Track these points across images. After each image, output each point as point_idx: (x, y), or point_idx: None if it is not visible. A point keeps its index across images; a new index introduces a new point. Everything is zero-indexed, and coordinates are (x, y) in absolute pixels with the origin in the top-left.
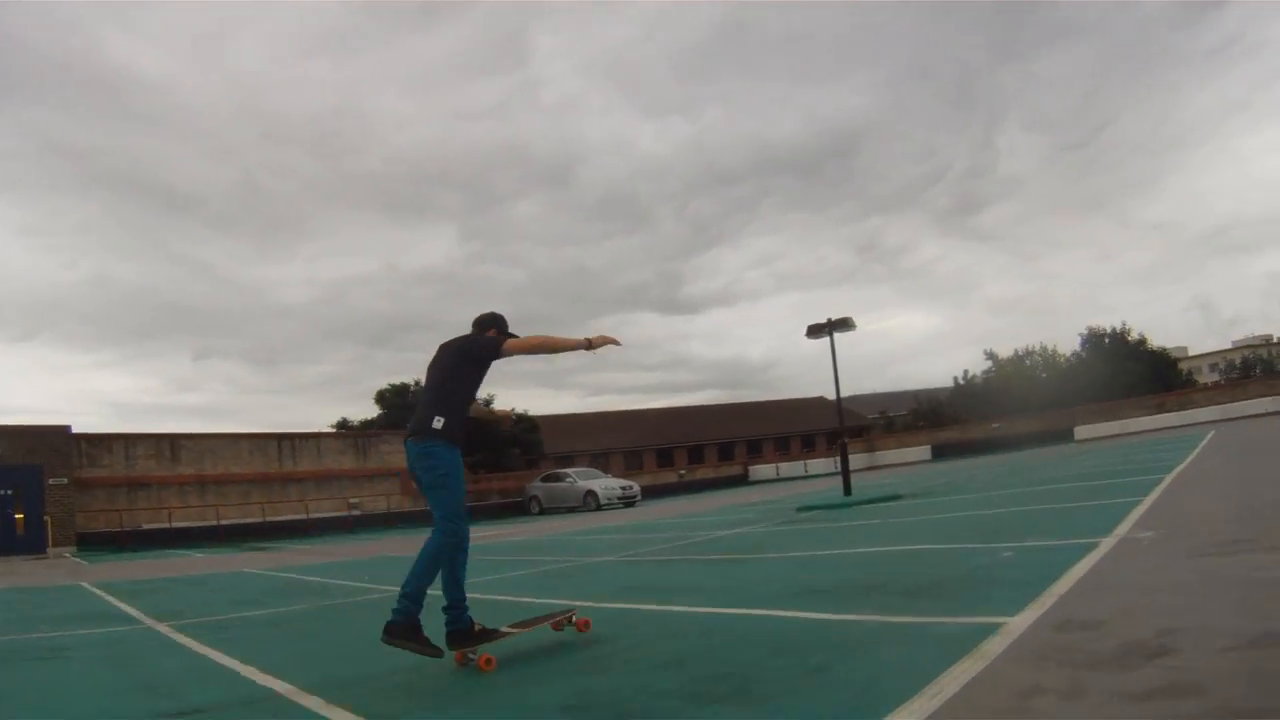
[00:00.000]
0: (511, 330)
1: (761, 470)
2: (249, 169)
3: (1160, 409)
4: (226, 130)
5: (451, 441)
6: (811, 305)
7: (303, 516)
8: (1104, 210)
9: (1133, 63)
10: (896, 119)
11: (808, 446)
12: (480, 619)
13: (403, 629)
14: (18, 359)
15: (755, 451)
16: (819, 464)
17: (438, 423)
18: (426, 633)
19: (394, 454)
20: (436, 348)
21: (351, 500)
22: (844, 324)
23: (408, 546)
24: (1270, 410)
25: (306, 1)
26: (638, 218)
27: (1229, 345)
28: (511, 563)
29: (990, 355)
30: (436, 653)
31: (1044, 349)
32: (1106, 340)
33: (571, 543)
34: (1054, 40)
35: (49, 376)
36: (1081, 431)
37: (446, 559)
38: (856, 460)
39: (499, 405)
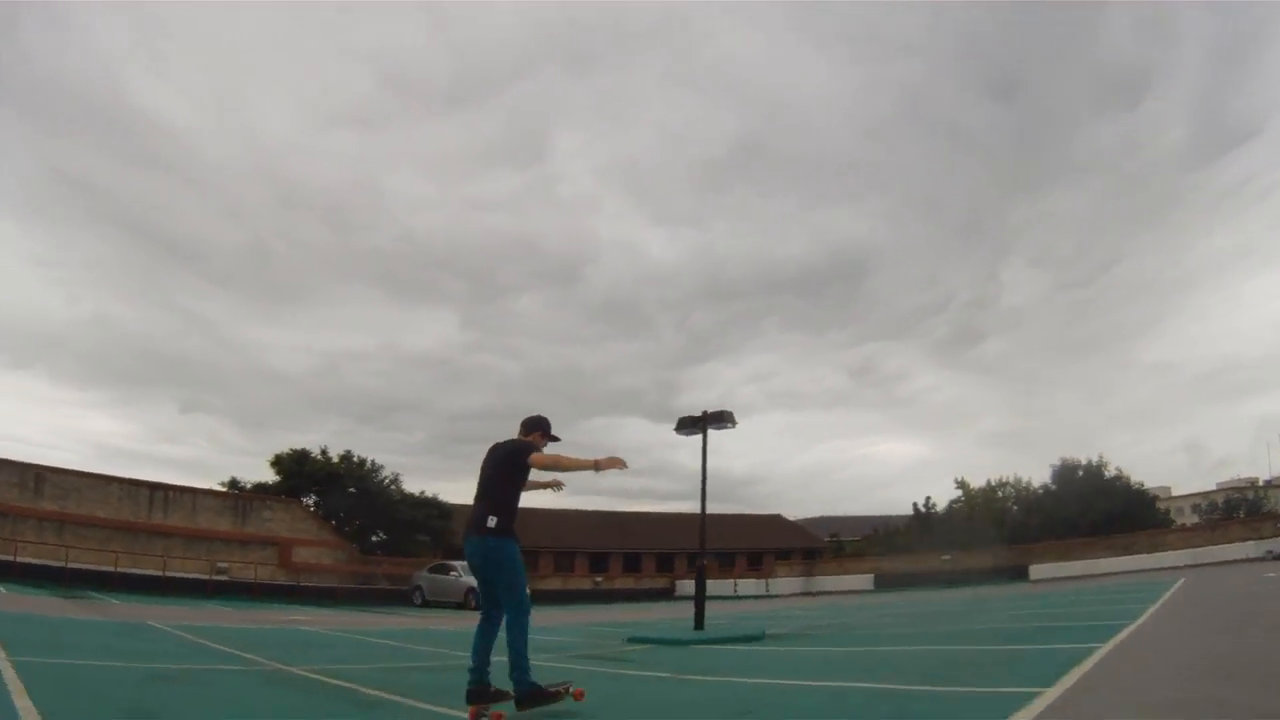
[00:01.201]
0: (554, 433)
1: (686, 585)
2: (259, 230)
3: (1129, 550)
4: (241, 189)
5: (508, 536)
6: (803, 425)
7: (158, 573)
8: (1102, 349)
9: (1141, 203)
10: (903, 246)
11: (754, 565)
12: None
13: (529, 695)
14: (10, 387)
15: (690, 565)
16: (750, 584)
17: (491, 521)
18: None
19: (276, 522)
20: (487, 448)
21: (220, 564)
22: (720, 418)
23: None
24: (1251, 556)
25: (337, 73)
26: (639, 323)
27: (1213, 487)
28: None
29: (960, 484)
30: (561, 693)
31: (1017, 480)
32: (1080, 473)
33: (314, 642)
34: (1064, 178)
35: (37, 408)
36: (1037, 571)
37: (518, 629)
38: (791, 584)
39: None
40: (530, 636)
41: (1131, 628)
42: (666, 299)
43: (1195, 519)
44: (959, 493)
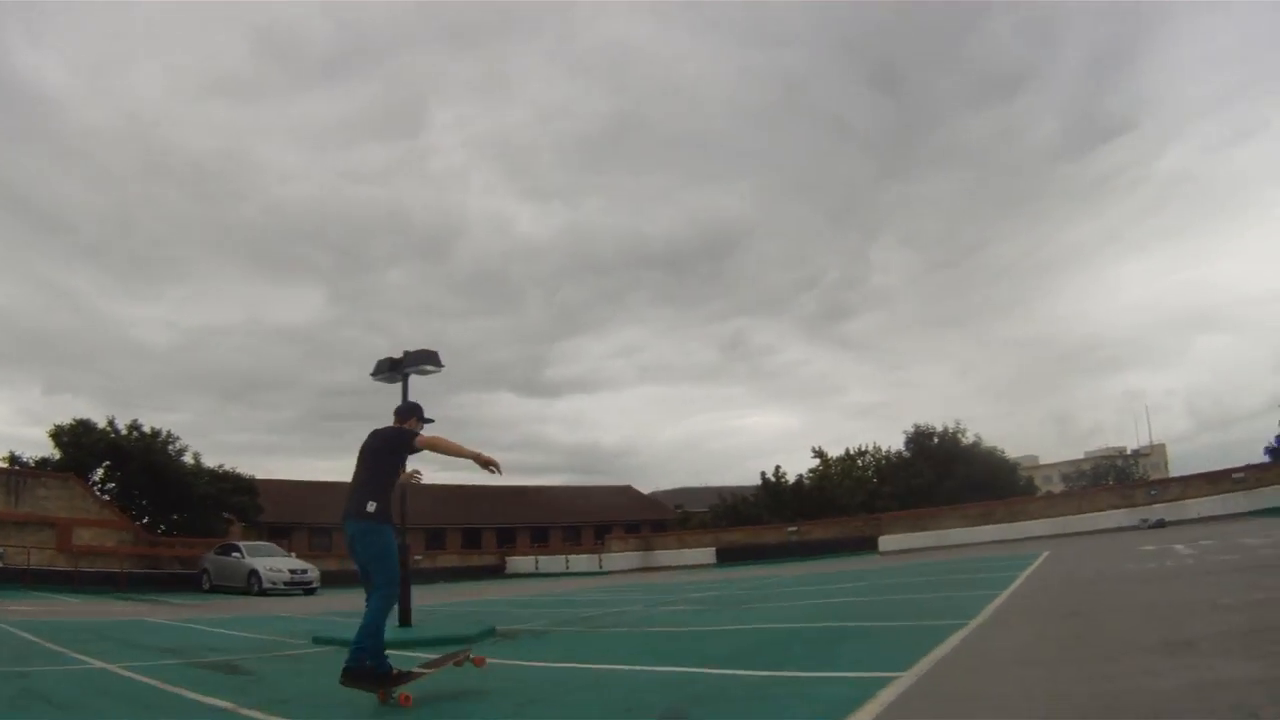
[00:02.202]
0: (428, 416)
1: (519, 563)
2: (126, 200)
3: (985, 519)
4: (110, 157)
5: (385, 521)
6: (672, 398)
7: None
8: (969, 327)
9: (1011, 191)
10: (775, 226)
11: (600, 538)
12: None
13: (358, 674)
14: None
15: (541, 539)
16: (583, 560)
17: (371, 506)
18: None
19: (52, 500)
20: (368, 433)
21: None
22: (424, 359)
23: None
24: (1123, 524)
25: (217, 41)
26: (507, 298)
27: (1082, 455)
28: None
29: (818, 453)
30: (391, 679)
31: (876, 449)
32: (935, 440)
33: None
34: (938, 165)
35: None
36: (887, 542)
37: (381, 609)
38: (628, 559)
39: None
40: (224, 631)
41: (978, 619)
42: (535, 274)
43: (1063, 488)
44: (816, 462)
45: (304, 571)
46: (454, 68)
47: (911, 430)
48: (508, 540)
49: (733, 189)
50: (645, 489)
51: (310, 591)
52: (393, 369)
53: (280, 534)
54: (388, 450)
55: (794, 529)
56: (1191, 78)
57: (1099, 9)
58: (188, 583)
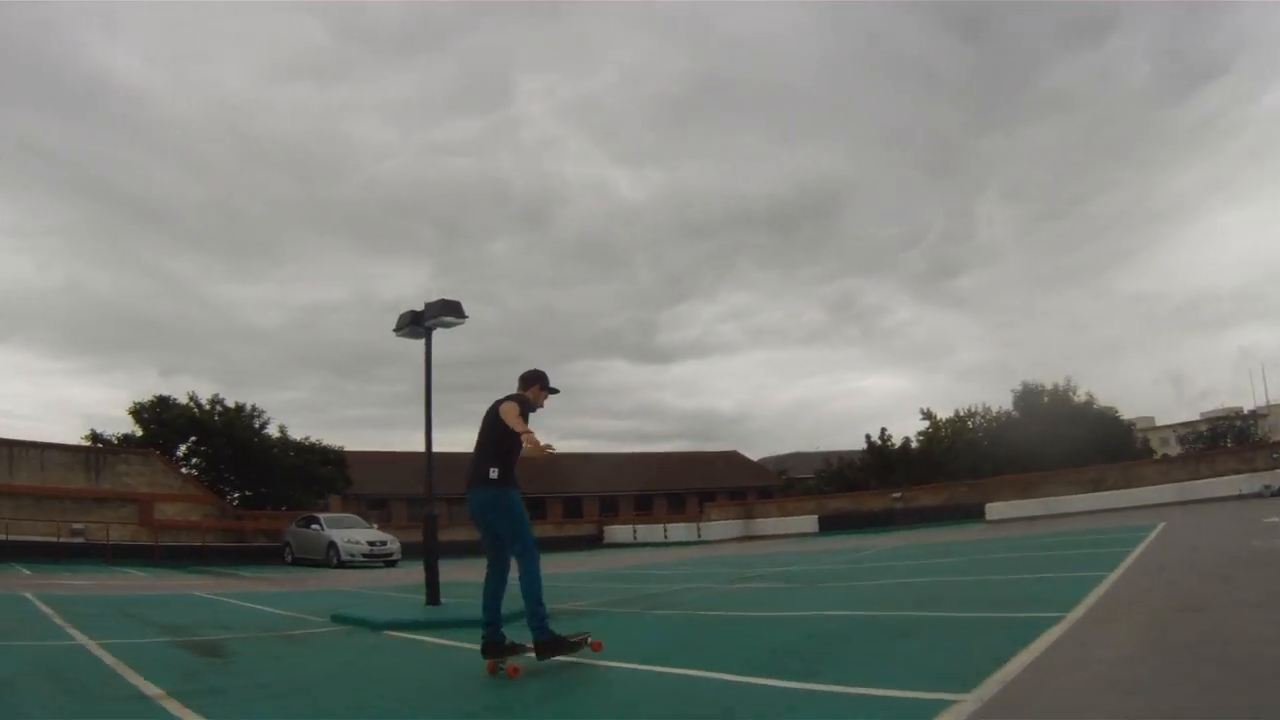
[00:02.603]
0: (553, 385)
1: (617, 532)
2: (226, 187)
3: (1097, 485)
4: (205, 146)
5: (509, 485)
6: (784, 362)
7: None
8: (1079, 282)
9: (1113, 137)
10: (874, 181)
11: (704, 505)
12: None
13: (549, 644)
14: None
15: (644, 507)
16: (680, 529)
17: (493, 473)
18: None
19: (133, 476)
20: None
21: (74, 526)
22: (448, 310)
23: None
24: (1244, 491)
25: (291, 25)
26: (613, 263)
27: (1198, 417)
28: None
29: (927, 415)
30: (582, 640)
31: (986, 410)
32: (1045, 398)
33: None
34: (1034, 112)
35: (17, 381)
36: (994, 509)
37: (531, 576)
38: (728, 528)
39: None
40: (253, 606)
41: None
42: (639, 238)
43: (1180, 451)
44: (926, 424)
45: (383, 543)
46: (533, 35)
47: (1019, 388)
48: (609, 509)
49: (827, 145)
50: (759, 454)
51: (391, 563)
52: (414, 322)
53: (377, 506)
54: (500, 417)
55: (898, 495)
56: None
57: None
58: (272, 555)
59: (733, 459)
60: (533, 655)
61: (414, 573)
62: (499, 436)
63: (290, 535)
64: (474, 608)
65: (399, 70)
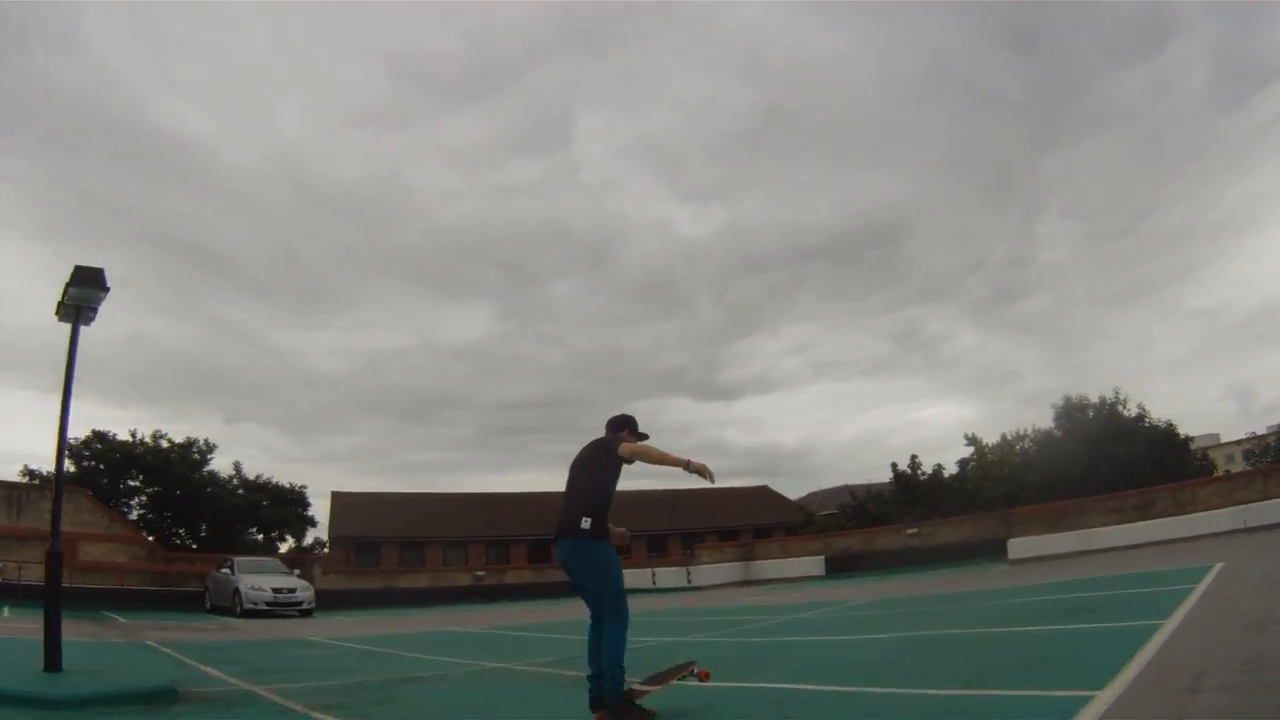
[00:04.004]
0: (642, 430)
1: (636, 576)
2: (287, 235)
3: (1145, 512)
4: (265, 196)
5: (602, 539)
6: (848, 393)
7: None
8: (1143, 299)
9: (1172, 148)
10: (933, 207)
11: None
12: None
13: (622, 708)
14: (52, 410)
15: (659, 549)
16: (670, 574)
17: (585, 523)
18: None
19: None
20: (580, 447)
21: None
22: (87, 280)
23: None
24: None
25: (348, 73)
26: (675, 302)
27: (1264, 430)
28: None
29: (971, 440)
30: (652, 712)
31: (1035, 431)
32: (1090, 413)
33: None
34: (1091, 127)
35: (83, 432)
36: (1018, 546)
37: (615, 640)
38: (723, 571)
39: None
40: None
41: None
42: (702, 275)
43: (1245, 468)
44: (970, 450)
45: (291, 591)
46: (592, 75)
47: (1061, 403)
48: (619, 551)
49: (886, 172)
50: (824, 487)
51: (305, 613)
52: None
53: (367, 550)
54: (597, 462)
55: (914, 531)
56: None
57: None
58: (195, 601)
59: (763, 494)
60: (647, 693)
61: (324, 624)
62: (590, 483)
63: (210, 580)
64: (101, 681)
65: (458, 114)
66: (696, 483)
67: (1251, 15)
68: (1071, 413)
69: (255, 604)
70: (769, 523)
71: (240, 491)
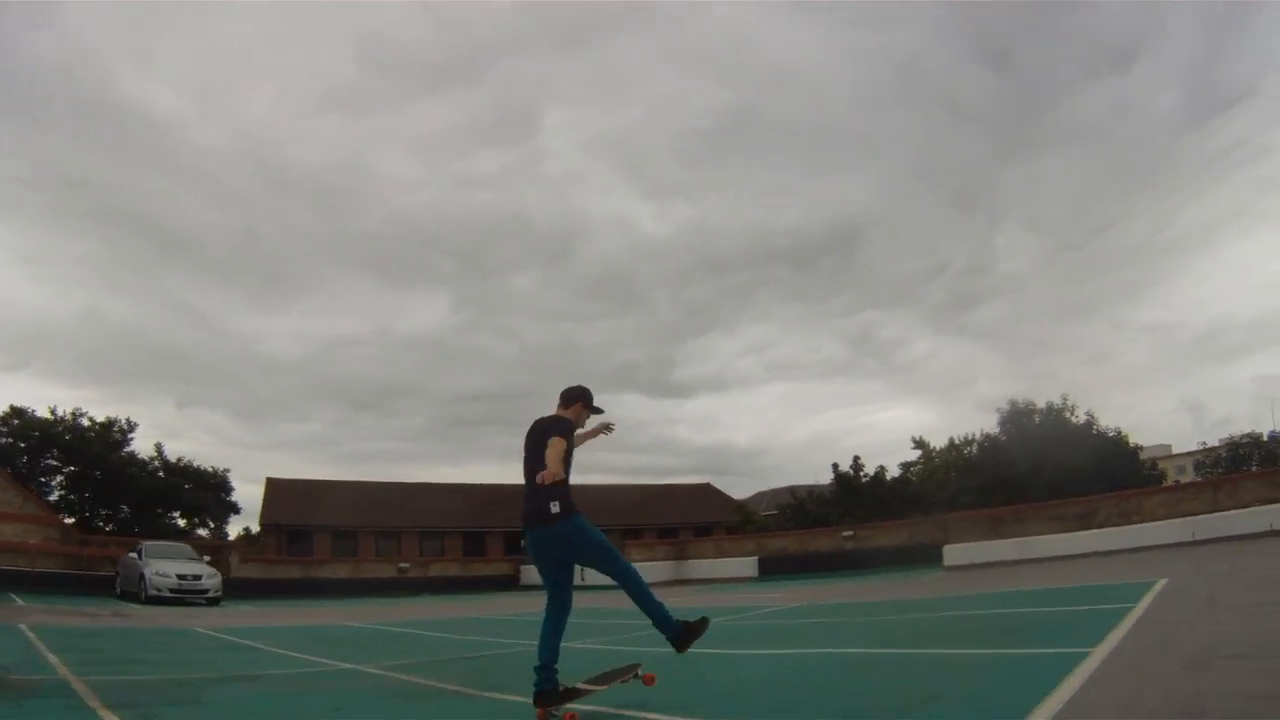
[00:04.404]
0: (596, 404)
1: (534, 572)
2: (248, 218)
3: (1086, 521)
4: (229, 177)
5: (575, 513)
6: (803, 395)
7: None
8: (1098, 312)
9: (1133, 166)
10: (897, 214)
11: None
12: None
13: (686, 633)
14: (4, 389)
15: None
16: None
17: (555, 507)
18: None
19: None
20: (530, 424)
21: None
22: None
23: None
24: (1276, 526)
25: (320, 57)
26: (633, 298)
27: (1217, 442)
28: None
29: (919, 444)
30: (705, 624)
31: (982, 435)
32: (1036, 418)
33: None
34: (1056, 142)
35: (38, 409)
36: (953, 553)
37: (640, 592)
38: (656, 570)
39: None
40: None
41: None
42: (661, 273)
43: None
44: (918, 453)
45: (196, 578)
46: (562, 68)
47: (1006, 407)
48: None
49: (853, 178)
50: (773, 486)
51: (213, 601)
52: None
53: (299, 538)
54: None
55: (849, 534)
56: None
57: None
58: (108, 585)
59: (704, 492)
60: (591, 692)
61: (223, 614)
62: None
63: (120, 565)
64: None
65: (426, 103)
66: (637, 478)
67: (1219, 40)
68: (1017, 417)
69: (160, 590)
70: (709, 521)
71: (161, 474)
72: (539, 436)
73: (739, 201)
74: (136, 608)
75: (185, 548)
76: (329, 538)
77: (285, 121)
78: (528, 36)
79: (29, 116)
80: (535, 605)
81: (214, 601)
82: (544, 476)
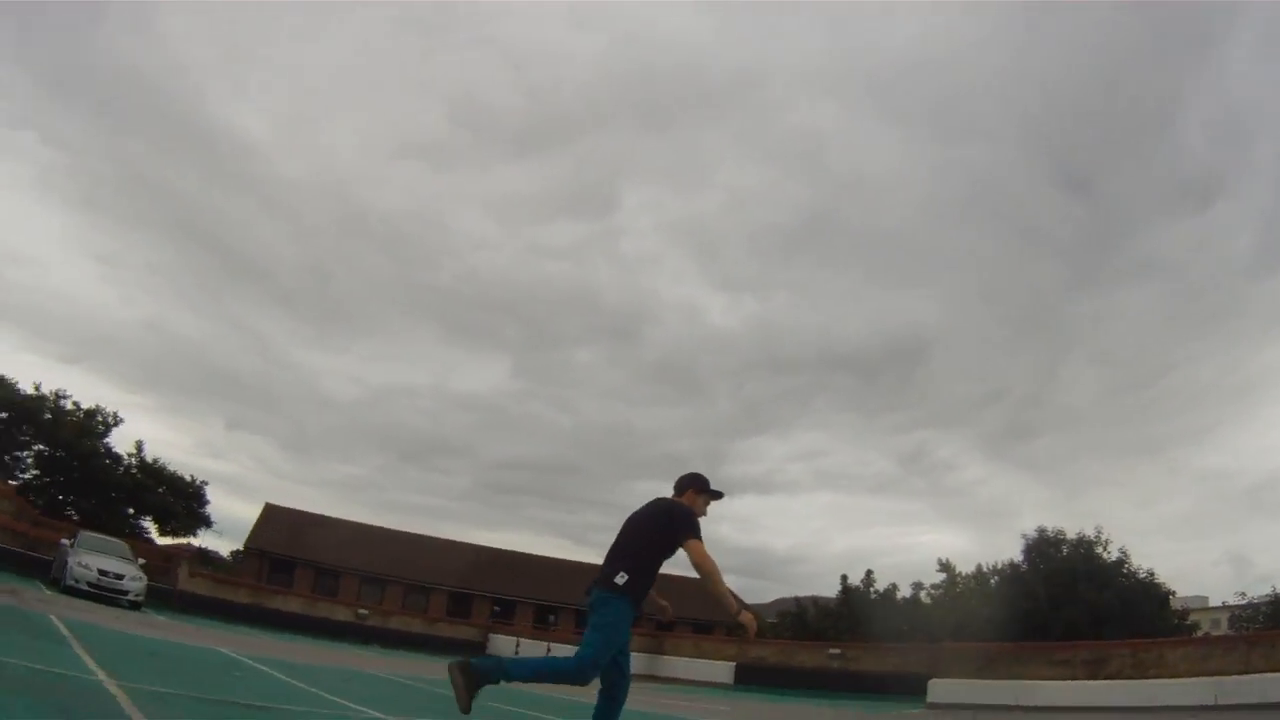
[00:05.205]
0: (714, 487)
1: (502, 642)
2: (322, 253)
3: (1096, 669)
4: (308, 210)
5: (630, 598)
6: (848, 507)
7: None
8: (1153, 454)
9: (1204, 308)
10: (962, 334)
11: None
12: None
13: (476, 674)
14: (59, 380)
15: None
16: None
17: (621, 579)
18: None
19: None
20: (643, 503)
21: None
22: None
23: None
24: None
25: (411, 105)
26: (692, 388)
27: (1258, 598)
28: None
29: (944, 567)
30: (462, 709)
31: (1008, 564)
32: (1064, 549)
33: None
34: (1129, 277)
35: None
36: (940, 689)
37: (560, 682)
38: (635, 661)
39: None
40: None
41: None
42: (723, 366)
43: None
44: (942, 576)
45: (119, 577)
46: (646, 148)
47: (1032, 536)
48: (544, 618)
49: (922, 292)
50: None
51: (134, 605)
52: None
53: (283, 568)
54: (656, 525)
55: (836, 651)
56: None
57: None
58: (45, 569)
59: (703, 585)
60: None
61: (118, 617)
62: (640, 542)
63: (57, 551)
64: None
65: (509, 165)
66: (667, 567)
67: None
68: (1043, 547)
69: (78, 582)
70: (710, 620)
71: (135, 473)
72: (653, 512)
73: (807, 303)
74: (49, 594)
75: (121, 545)
76: (312, 573)
77: (368, 163)
78: (614, 113)
79: (117, 118)
80: (412, 667)
81: (135, 605)
82: (693, 549)
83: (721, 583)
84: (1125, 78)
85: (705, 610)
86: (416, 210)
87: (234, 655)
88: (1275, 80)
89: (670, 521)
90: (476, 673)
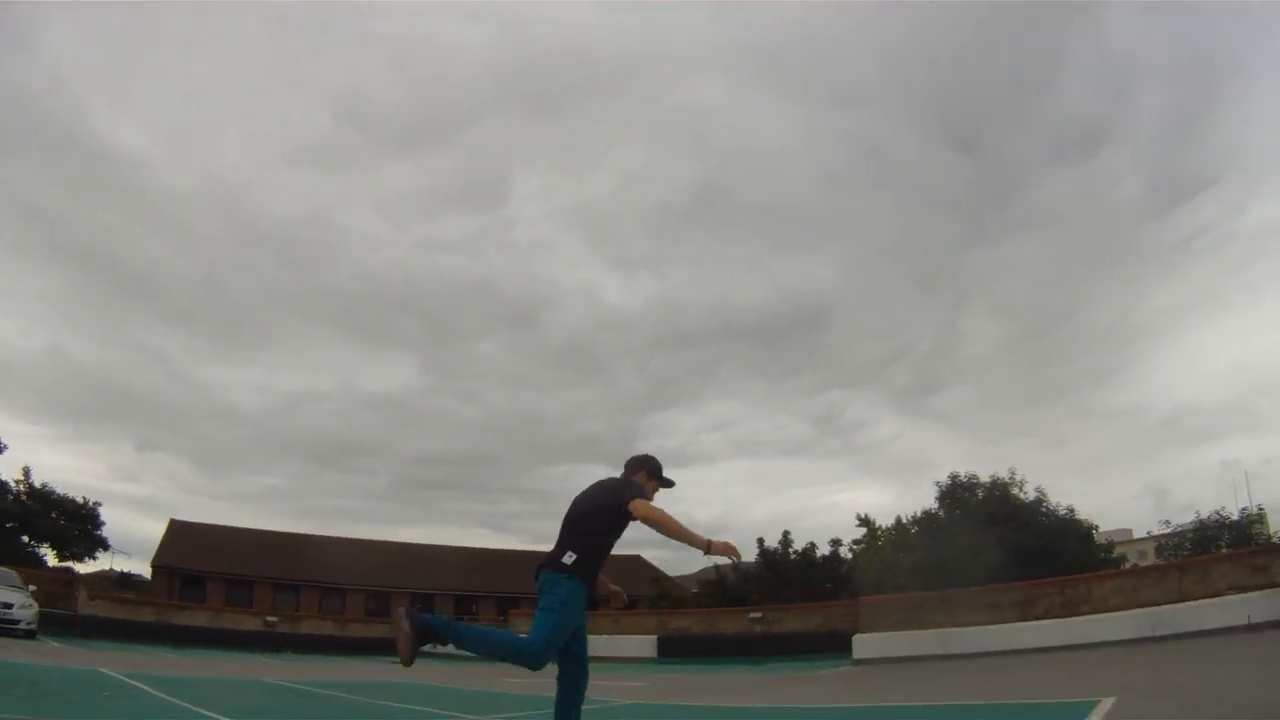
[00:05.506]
0: (666, 475)
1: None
2: (215, 265)
3: (1025, 611)
4: (198, 222)
5: (580, 578)
6: (765, 473)
7: None
8: (1061, 398)
9: (1097, 253)
10: (862, 295)
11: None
12: None
13: (424, 627)
14: None
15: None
16: None
17: (569, 558)
18: None
19: None
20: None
21: None
22: None
23: None
24: (1254, 619)
25: (295, 108)
26: (598, 369)
27: (1184, 524)
28: None
29: (864, 522)
30: (404, 661)
31: (923, 513)
32: (979, 493)
33: None
34: (1021, 227)
35: None
36: (865, 644)
37: (508, 661)
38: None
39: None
40: None
41: None
42: (626, 345)
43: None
44: (862, 531)
45: (7, 606)
46: (535, 136)
47: (946, 482)
48: (466, 608)
49: (820, 257)
50: (722, 563)
51: (28, 634)
52: None
53: (194, 583)
54: (601, 502)
55: (758, 615)
56: (1273, 126)
57: (1173, 64)
58: None
59: (635, 564)
60: None
61: (46, 651)
62: (589, 521)
63: None
64: None
65: (398, 162)
66: (642, 553)
67: (1183, 132)
68: (958, 492)
69: None
70: (634, 594)
71: (25, 499)
72: (598, 492)
73: (705, 277)
74: None
75: (9, 574)
76: (224, 586)
77: (256, 170)
78: (500, 102)
79: None
80: (316, 671)
81: (29, 634)
82: (637, 507)
83: (678, 524)
84: (1005, 35)
85: (627, 586)
86: (308, 213)
87: (115, 675)
88: (1154, 28)
89: (613, 496)
90: (425, 626)
